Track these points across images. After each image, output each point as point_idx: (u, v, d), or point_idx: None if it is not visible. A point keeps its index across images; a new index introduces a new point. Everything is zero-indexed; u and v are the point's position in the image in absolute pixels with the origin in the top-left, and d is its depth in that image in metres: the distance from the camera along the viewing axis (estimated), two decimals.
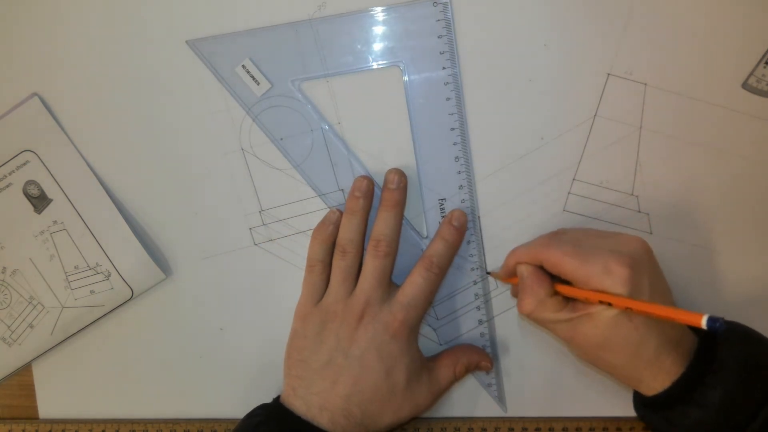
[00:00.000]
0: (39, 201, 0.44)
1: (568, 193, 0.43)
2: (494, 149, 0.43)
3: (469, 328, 0.45)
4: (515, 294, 0.43)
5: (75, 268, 0.45)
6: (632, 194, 0.43)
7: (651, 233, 0.43)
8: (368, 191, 0.42)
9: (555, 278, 0.38)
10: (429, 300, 0.42)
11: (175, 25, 0.43)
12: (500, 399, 0.45)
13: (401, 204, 0.41)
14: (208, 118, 0.44)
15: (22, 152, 0.43)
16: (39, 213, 0.44)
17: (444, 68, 0.42)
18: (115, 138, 0.44)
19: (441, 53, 0.42)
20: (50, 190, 0.44)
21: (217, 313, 0.46)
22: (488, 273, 0.44)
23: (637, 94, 0.42)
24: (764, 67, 0.40)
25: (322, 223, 0.42)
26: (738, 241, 0.43)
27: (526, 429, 0.45)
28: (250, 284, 0.46)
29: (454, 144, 0.43)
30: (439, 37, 0.41)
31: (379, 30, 0.42)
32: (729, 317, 0.43)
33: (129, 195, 0.45)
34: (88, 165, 0.44)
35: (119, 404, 0.47)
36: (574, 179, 0.43)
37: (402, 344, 0.40)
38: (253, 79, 0.42)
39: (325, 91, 0.43)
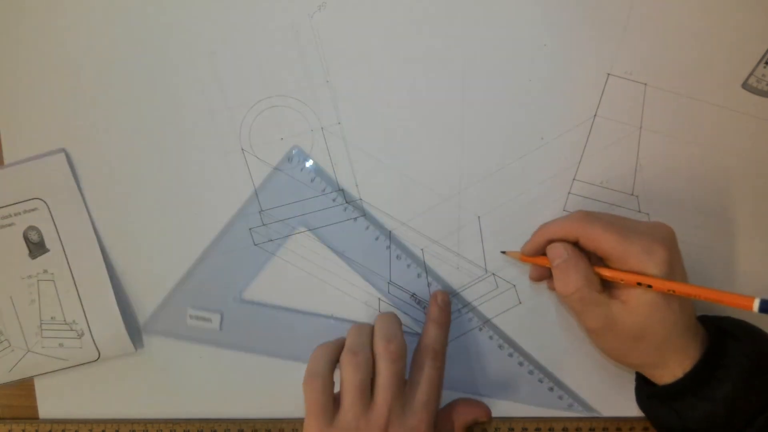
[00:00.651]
0: (36, 248, 0.45)
1: (568, 193, 0.43)
2: (494, 149, 0.43)
3: (468, 328, 0.45)
4: (535, 277, 0.42)
5: (51, 318, 0.45)
6: (632, 194, 0.43)
7: None
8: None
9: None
10: (441, 390, 0.41)
11: (176, 26, 0.43)
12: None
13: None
14: (208, 118, 0.44)
15: (33, 199, 0.44)
16: (33, 258, 0.45)
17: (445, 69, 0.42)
18: (115, 135, 0.44)
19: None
20: (50, 241, 0.45)
21: (217, 313, 0.46)
22: (503, 252, 0.43)
23: (637, 94, 0.42)
24: (764, 67, 0.40)
25: (330, 344, 0.41)
26: (739, 241, 0.43)
27: (526, 429, 0.45)
28: (250, 284, 0.46)
29: (455, 144, 0.43)
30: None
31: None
32: (731, 316, 0.43)
33: (126, 193, 0.45)
34: (92, 222, 0.45)
35: (119, 404, 0.47)
36: (574, 179, 0.43)
37: None
38: None
39: (325, 90, 0.43)
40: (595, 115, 0.42)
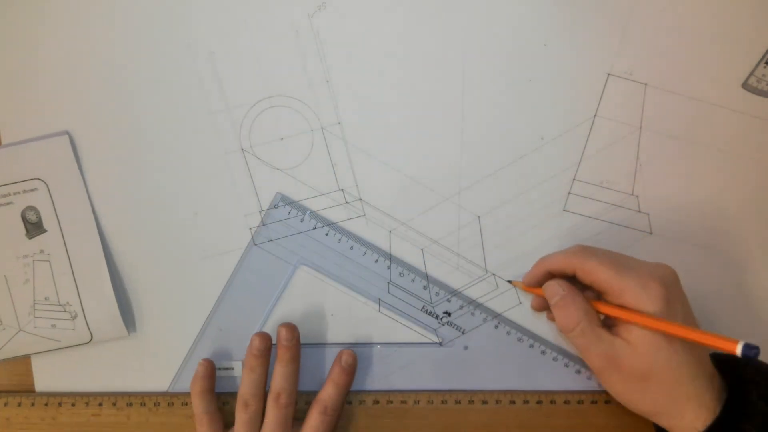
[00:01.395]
0: (34, 228, 0.45)
1: (568, 193, 0.43)
2: (494, 149, 0.43)
3: (468, 327, 0.45)
4: (537, 307, 0.42)
5: (45, 299, 0.45)
6: (632, 194, 0.43)
7: (651, 233, 0.43)
8: (266, 349, 0.43)
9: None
10: None
11: (176, 26, 0.43)
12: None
13: (296, 358, 0.43)
14: (208, 118, 0.44)
15: (34, 179, 0.44)
16: (29, 238, 0.45)
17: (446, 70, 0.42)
18: (114, 134, 0.44)
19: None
20: (48, 222, 0.45)
21: (217, 312, 0.46)
22: (509, 282, 0.44)
23: (637, 94, 0.42)
24: (764, 67, 0.41)
25: (195, 378, 0.44)
26: (738, 241, 0.43)
27: (499, 401, 0.45)
28: (250, 284, 0.46)
29: (455, 144, 0.43)
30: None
31: None
32: (729, 317, 0.43)
33: (126, 193, 0.45)
34: (92, 207, 0.45)
35: (115, 379, 0.47)
36: (574, 179, 0.43)
37: None
38: None
39: (325, 90, 0.43)
40: (595, 115, 0.42)
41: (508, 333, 0.45)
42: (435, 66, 0.42)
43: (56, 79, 0.44)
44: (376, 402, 0.45)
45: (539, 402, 0.45)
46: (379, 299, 0.45)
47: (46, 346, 0.46)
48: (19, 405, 0.47)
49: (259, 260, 0.45)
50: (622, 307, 0.36)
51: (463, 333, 0.45)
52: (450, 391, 0.45)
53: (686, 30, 0.41)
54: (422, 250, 0.44)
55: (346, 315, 0.45)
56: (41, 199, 0.44)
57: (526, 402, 0.45)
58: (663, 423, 0.36)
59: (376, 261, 0.44)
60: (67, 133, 0.44)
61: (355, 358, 0.44)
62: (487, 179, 0.43)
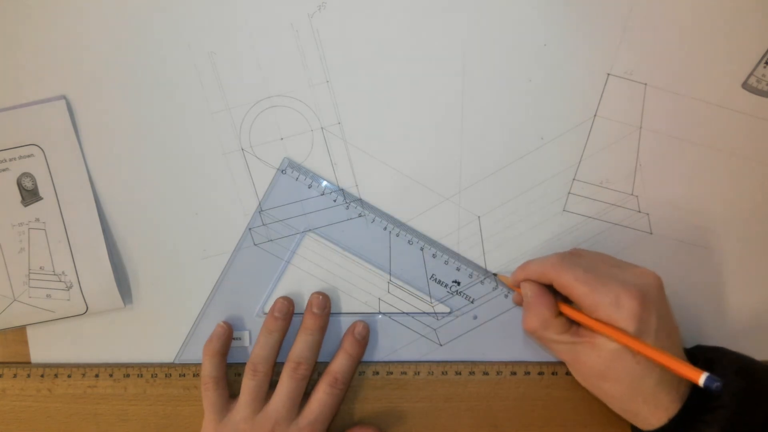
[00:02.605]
0: (29, 195, 0.44)
1: (568, 193, 0.43)
2: (494, 149, 0.43)
3: (467, 328, 0.45)
4: (518, 301, 0.43)
5: (40, 268, 0.45)
6: (632, 194, 0.43)
7: (651, 233, 0.43)
8: (288, 313, 0.43)
9: (562, 296, 0.38)
10: (334, 412, 0.43)
11: (176, 26, 0.43)
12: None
13: (323, 329, 0.43)
14: (208, 118, 0.44)
15: (30, 144, 0.44)
16: (25, 206, 0.44)
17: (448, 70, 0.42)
18: (114, 134, 0.44)
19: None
20: (44, 189, 0.44)
21: (217, 312, 0.46)
22: (494, 274, 0.44)
23: (637, 94, 0.42)
24: (764, 67, 0.41)
25: (210, 338, 0.44)
26: (738, 241, 0.43)
27: (500, 372, 0.45)
28: (249, 284, 0.46)
29: (455, 144, 0.43)
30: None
31: None
32: (728, 317, 0.44)
33: (127, 193, 0.45)
34: (89, 175, 0.44)
35: (113, 349, 0.47)
36: (574, 179, 0.43)
37: None
38: None
39: (325, 90, 0.43)
40: (595, 115, 0.42)
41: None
42: (435, 66, 0.42)
43: (76, 79, 0.44)
44: (376, 373, 0.45)
45: (540, 373, 0.45)
46: (379, 299, 0.45)
47: (41, 317, 0.45)
48: (15, 376, 0.47)
49: (267, 233, 0.45)
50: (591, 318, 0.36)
51: (472, 302, 0.45)
52: (450, 362, 0.45)
53: (686, 30, 0.41)
54: (422, 250, 0.44)
55: (354, 285, 0.45)
56: (37, 166, 0.44)
57: (527, 373, 0.45)
58: (620, 414, 0.37)
59: (385, 228, 0.44)
60: (65, 97, 0.43)
61: (368, 329, 0.44)
62: (487, 179, 0.43)
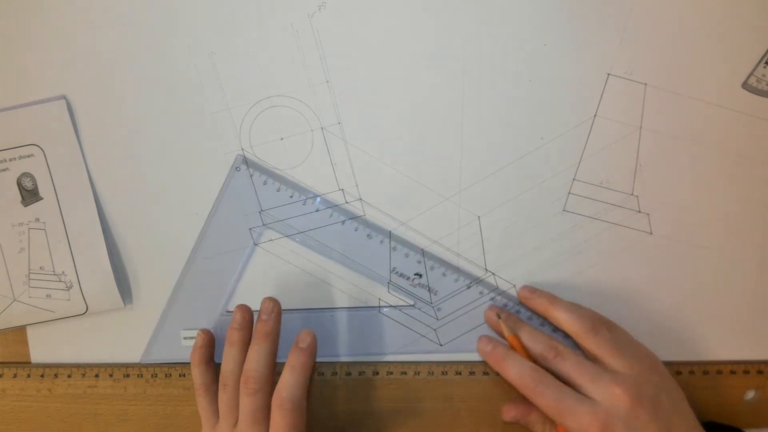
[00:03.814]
0: (29, 195, 0.44)
1: (568, 193, 0.43)
2: (494, 149, 0.43)
3: (468, 328, 0.45)
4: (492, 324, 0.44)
5: (40, 268, 0.45)
6: (632, 194, 0.43)
7: (651, 233, 0.43)
8: (247, 322, 0.42)
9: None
10: (301, 428, 0.39)
11: (176, 26, 0.43)
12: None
13: (273, 333, 0.41)
14: (208, 118, 0.44)
15: (30, 144, 0.44)
16: (25, 206, 0.44)
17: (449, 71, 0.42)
18: (114, 134, 0.44)
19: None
20: (43, 189, 0.44)
21: (217, 312, 0.46)
22: (498, 316, 0.43)
23: (637, 94, 0.42)
24: (764, 67, 0.41)
25: (193, 348, 0.44)
26: (738, 241, 0.43)
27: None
28: (250, 284, 0.46)
29: (455, 144, 0.43)
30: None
31: None
32: (728, 317, 0.43)
33: (127, 194, 0.45)
34: (89, 176, 0.44)
35: (113, 349, 0.47)
36: (574, 179, 0.43)
37: None
38: None
39: (325, 90, 0.43)
40: (595, 115, 0.42)
41: (480, 293, 0.45)
42: (435, 66, 0.42)
43: (76, 77, 0.44)
44: (376, 373, 0.45)
45: None
46: (379, 299, 0.45)
47: (41, 317, 0.45)
48: (15, 376, 0.47)
49: (258, 260, 0.45)
50: None
51: (435, 293, 0.45)
52: (450, 362, 0.45)
53: (686, 30, 0.41)
54: (422, 250, 0.44)
55: (354, 285, 0.45)
56: (37, 166, 0.44)
57: None
58: None
59: (343, 223, 0.44)
60: (65, 97, 0.43)
61: (314, 336, 0.41)
62: (487, 179, 0.43)
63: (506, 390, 0.45)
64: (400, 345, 0.45)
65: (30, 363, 0.47)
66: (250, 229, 0.45)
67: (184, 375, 0.46)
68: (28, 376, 0.46)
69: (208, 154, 0.44)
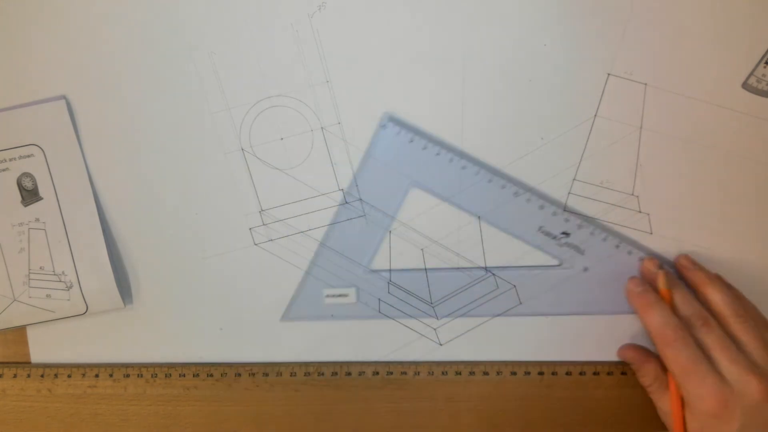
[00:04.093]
0: (29, 195, 0.44)
1: (568, 193, 0.43)
2: (494, 149, 0.43)
3: (468, 327, 0.45)
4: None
5: (40, 268, 0.45)
6: (632, 194, 0.43)
7: (651, 233, 0.43)
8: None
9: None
10: None
11: (176, 26, 0.43)
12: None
13: None
14: (208, 118, 0.44)
15: (30, 145, 0.44)
16: (25, 206, 0.44)
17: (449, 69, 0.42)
18: (114, 134, 0.44)
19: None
20: (43, 189, 0.44)
21: (217, 312, 0.46)
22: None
23: (637, 94, 0.42)
24: (764, 67, 0.41)
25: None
26: (738, 241, 0.43)
27: (500, 372, 0.45)
28: (250, 284, 0.46)
29: (456, 144, 0.43)
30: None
31: None
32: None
33: (127, 194, 0.45)
34: (89, 177, 0.44)
35: (113, 349, 0.47)
36: (574, 179, 0.43)
37: None
38: None
39: (325, 90, 0.43)
40: (595, 115, 0.42)
41: (629, 253, 0.44)
42: (435, 66, 0.42)
43: (78, 78, 0.44)
44: (376, 373, 0.45)
45: (540, 373, 0.45)
46: (379, 299, 0.45)
47: (41, 317, 0.46)
48: (15, 377, 0.47)
49: (258, 260, 0.45)
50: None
51: (582, 254, 0.44)
52: (450, 362, 0.45)
53: (686, 30, 0.41)
54: (422, 250, 0.44)
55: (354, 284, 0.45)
56: (37, 166, 0.44)
57: (527, 373, 0.45)
58: None
59: (490, 181, 0.43)
60: (65, 98, 0.43)
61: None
62: (487, 179, 0.43)
63: (506, 390, 0.45)
64: (400, 345, 0.45)
65: (30, 363, 0.47)
66: (250, 229, 0.45)
67: (184, 375, 0.46)
68: (28, 376, 0.46)
69: (208, 154, 0.44)
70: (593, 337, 0.45)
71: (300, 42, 0.42)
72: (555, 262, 0.44)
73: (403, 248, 0.44)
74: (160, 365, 0.46)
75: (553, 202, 0.43)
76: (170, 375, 0.46)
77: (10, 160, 0.44)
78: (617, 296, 0.44)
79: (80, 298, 0.45)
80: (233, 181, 0.44)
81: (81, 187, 0.44)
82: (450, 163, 0.43)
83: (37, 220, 0.44)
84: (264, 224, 0.45)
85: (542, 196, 0.43)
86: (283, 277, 0.45)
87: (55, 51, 0.43)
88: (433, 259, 0.44)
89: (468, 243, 0.44)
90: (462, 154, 0.43)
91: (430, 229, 0.44)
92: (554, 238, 0.44)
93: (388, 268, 0.45)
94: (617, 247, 0.44)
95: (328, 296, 0.45)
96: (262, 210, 0.45)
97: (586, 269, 0.44)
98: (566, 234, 0.43)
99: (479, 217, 0.44)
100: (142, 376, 0.46)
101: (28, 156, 0.44)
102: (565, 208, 0.43)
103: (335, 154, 0.44)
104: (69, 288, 0.45)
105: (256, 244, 0.45)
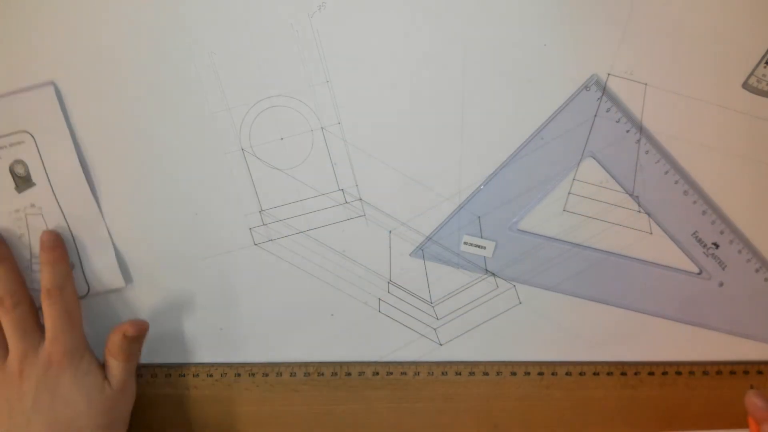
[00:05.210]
0: (22, 181, 0.45)
1: (568, 193, 0.43)
2: (494, 149, 0.43)
3: (468, 327, 0.45)
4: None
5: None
6: (632, 194, 0.43)
7: (651, 233, 0.43)
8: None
9: None
10: (72, 320, 0.43)
11: (176, 25, 0.43)
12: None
13: (6, 257, 0.43)
14: (208, 118, 0.44)
15: (20, 132, 0.44)
16: (19, 192, 0.45)
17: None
18: (115, 135, 0.44)
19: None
20: (36, 175, 0.44)
21: (217, 312, 0.46)
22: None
23: (637, 94, 0.42)
24: (764, 67, 0.41)
25: None
26: (738, 242, 0.43)
27: (500, 372, 0.45)
28: (250, 284, 0.46)
29: (455, 144, 0.43)
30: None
31: None
32: (728, 317, 0.43)
33: (126, 194, 0.45)
34: (81, 161, 0.44)
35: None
36: (574, 179, 0.43)
37: (72, 370, 0.42)
38: None
39: (325, 90, 0.43)
40: (595, 115, 0.42)
41: (766, 280, 0.43)
42: (435, 66, 0.42)
43: (70, 69, 0.44)
44: (376, 373, 0.46)
45: (540, 373, 0.45)
46: (379, 299, 0.45)
47: None
48: None
49: (258, 260, 0.45)
50: None
51: (723, 268, 0.44)
52: (451, 362, 0.45)
53: (686, 30, 0.41)
54: (422, 250, 0.44)
55: (353, 284, 0.45)
56: (29, 153, 0.44)
57: (527, 373, 0.45)
58: None
59: (666, 173, 0.42)
60: (53, 83, 0.43)
61: (52, 235, 0.43)
62: (487, 179, 0.43)
63: (506, 390, 0.45)
64: (400, 344, 0.45)
65: None
66: (250, 229, 0.45)
67: (184, 375, 0.46)
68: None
69: (208, 153, 0.44)
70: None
71: (300, 42, 0.42)
72: (695, 269, 0.44)
73: (404, 248, 0.44)
74: (161, 365, 0.46)
75: (715, 209, 0.43)
76: (170, 375, 0.46)
77: (1, 148, 0.44)
78: (748, 318, 0.44)
79: (82, 278, 0.45)
80: (233, 181, 0.44)
81: (72, 173, 0.44)
82: (633, 143, 0.42)
83: (33, 205, 0.45)
84: (264, 224, 0.45)
85: (707, 202, 0.43)
86: (282, 277, 0.45)
87: (55, 51, 0.43)
88: (433, 259, 0.44)
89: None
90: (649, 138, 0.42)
91: (430, 229, 0.44)
92: (704, 246, 0.43)
93: (389, 269, 0.45)
94: (757, 271, 0.44)
95: (465, 243, 0.44)
96: (262, 210, 0.45)
97: (721, 284, 0.44)
98: (716, 245, 0.43)
99: (479, 217, 0.44)
100: (142, 376, 0.46)
101: (19, 143, 0.44)
102: (565, 209, 0.43)
103: (335, 154, 0.44)
104: (71, 269, 0.45)
105: (256, 244, 0.45)
